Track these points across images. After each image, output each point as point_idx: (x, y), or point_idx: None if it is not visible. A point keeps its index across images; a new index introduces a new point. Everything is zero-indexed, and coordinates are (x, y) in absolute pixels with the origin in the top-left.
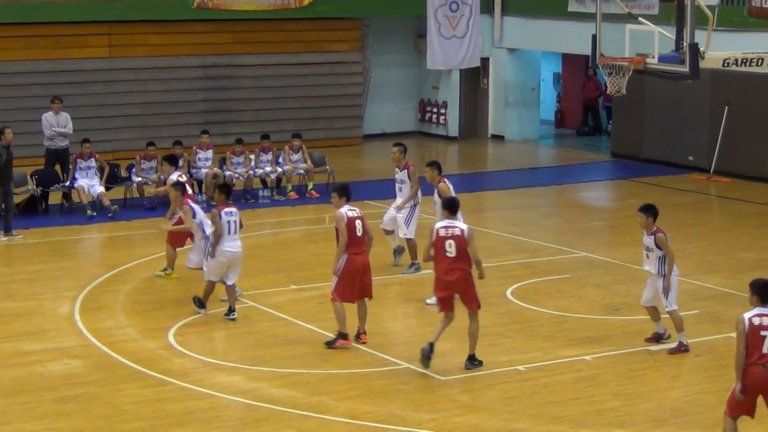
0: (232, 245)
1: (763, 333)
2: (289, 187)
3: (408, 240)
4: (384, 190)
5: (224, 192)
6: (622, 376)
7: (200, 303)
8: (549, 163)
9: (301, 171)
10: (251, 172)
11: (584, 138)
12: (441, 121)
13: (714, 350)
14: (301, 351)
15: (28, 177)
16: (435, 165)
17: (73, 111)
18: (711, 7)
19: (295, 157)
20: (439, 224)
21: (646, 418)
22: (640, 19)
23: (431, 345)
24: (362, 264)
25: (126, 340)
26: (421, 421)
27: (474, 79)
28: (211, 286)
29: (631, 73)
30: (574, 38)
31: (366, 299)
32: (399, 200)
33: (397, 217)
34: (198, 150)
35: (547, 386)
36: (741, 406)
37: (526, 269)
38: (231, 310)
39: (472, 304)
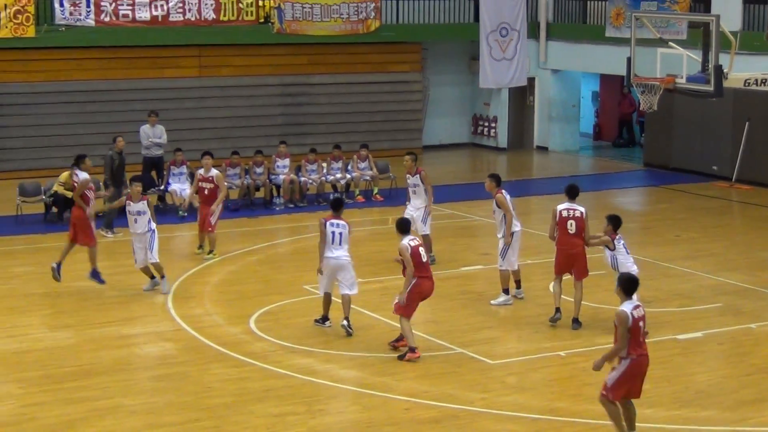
0: (334, 254)
1: (641, 324)
2: (357, 192)
3: (424, 235)
4: (442, 195)
5: (333, 206)
6: (651, 361)
7: (323, 318)
8: (588, 171)
9: (368, 177)
10: (323, 178)
11: (619, 149)
12: (491, 133)
13: (735, 339)
14: (366, 337)
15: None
16: (494, 177)
17: (168, 124)
18: (734, 33)
19: (363, 165)
20: (560, 206)
21: (673, 400)
22: (670, 43)
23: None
24: (429, 287)
25: (212, 325)
26: (472, 400)
27: (521, 96)
28: (326, 298)
29: (661, 91)
30: (611, 60)
31: None
32: (418, 201)
33: (414, 216)
34: (276, 158)
35: (585, 370)
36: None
37: None
38: (345, 319)
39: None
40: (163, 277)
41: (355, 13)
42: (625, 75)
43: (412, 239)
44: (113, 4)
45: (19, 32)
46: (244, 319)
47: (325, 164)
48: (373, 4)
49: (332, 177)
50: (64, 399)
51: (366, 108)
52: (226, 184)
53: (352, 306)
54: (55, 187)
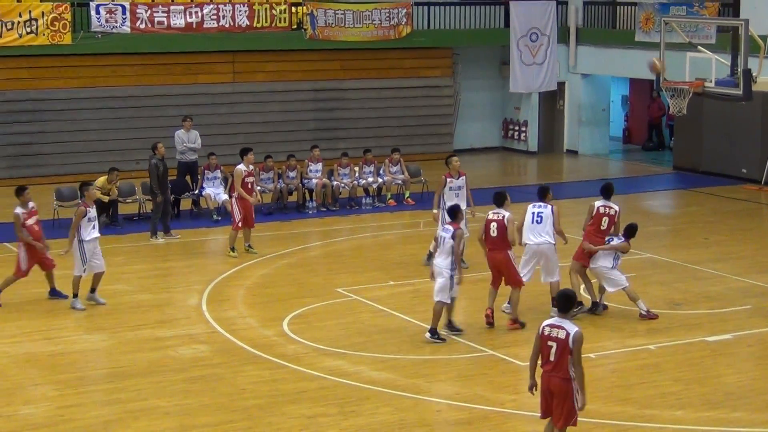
0: (437, 262)
1: (550, 343)
2: (389, 196)
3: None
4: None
5: (449, 214)
6: (681, 363)
7: (435, 333)
8: (617, 174)
9: (399, 181)
10: (355, 182)
11: (649, 153)
12: (522, 137)
13: (764, 341)
14: (398, 339)
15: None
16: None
17: (202, 129)
18: (762, 37)
19: (394, 168)
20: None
21: (703, 401)
22: (699, 47)
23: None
24: (491, 258)
25: (246, 328)
26: (503, 402)
27: (551, 100)
28: (439, 308)
29: (691, 95)
30: (640, 65)
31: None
32: (462, 204)
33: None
34: (309, 163)
35: (615, 372)
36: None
37: None
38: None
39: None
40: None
41: (387, 19)
42: (654, 79)
43: (496, 212)
44: (149, 12)
45: (56, 39)
46: (277, 321)
47: (357, 168)
48: (405, 10)
49: (364, 181)
50: (99, 401)
51: (397, 113)
52: (259, 188)
53: (383, 308)
54: None
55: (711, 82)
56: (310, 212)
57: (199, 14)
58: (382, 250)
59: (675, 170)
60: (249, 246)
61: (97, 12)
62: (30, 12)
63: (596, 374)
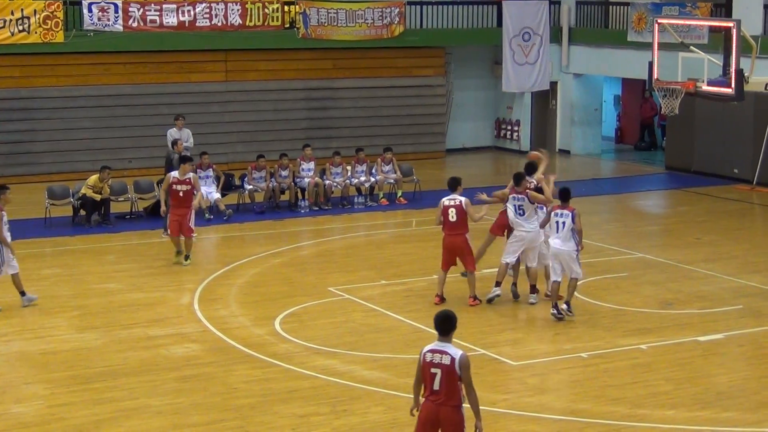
0: (554, 242)
1: (433, 370)
2: (381, 195)
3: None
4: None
5: (561, 196)
6: (673, 363)
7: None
8: (610, 174)
9: (392, 180)
10: (348, 181)
11: (641, 153)
12: (514, 137)
13: (755, 341)
14: (390, 338)
15: (155, 185)
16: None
17: (194, 127)
18: (755, 37)
19: (387, 168)
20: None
21: (695, 401)
22: (691, 47)
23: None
24: (450, 242)
25: (238, 327)
26: (495, 401)
27: (544, 100)
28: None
29: (683, 95)
30: (632, 64)
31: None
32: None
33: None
34: (302, 162)
35: (607, 371)
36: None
37: (588, 268)
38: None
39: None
40: None
41: (380, 18)
42: (646, 79)
43: (450, 198)
44: (141, 10)
45: (48, 38)
46: (269, 320)
47: (349, 167)
48: (398, 9)
49: (356, 180)
50: (90, 399)
51: (390, 112)
52: (251, 187)
53: (375, 307)
54: (83, 190)
55: (703, 82)
56: (303, 211)
57: (192, 13)
58: (374, 249)
59: (667, 170)
60: (183, 254)
61: (90, 10)
62: (22, 10)
63: (588, 374)
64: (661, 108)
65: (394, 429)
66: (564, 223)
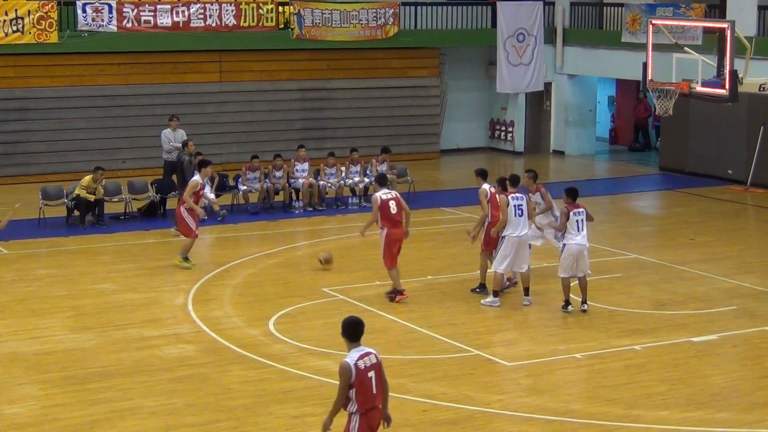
0: (578, 240)
1: (369, 374)
2: None
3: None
4: (458, 199)
5: (571, 195)
6: (667, 363)
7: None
8: (604, 175)
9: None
10: (342, 182)
11: (635, 153)
12: (508, 138)
13: (749, 342)
14: (384, 339)
15: (149, 185)
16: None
17: (189, 128)
18: (749, 38)
19: (382, 168)
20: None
21: (689, 401)
22: (685, 48)
23: None
24: (398, 234)
25: (232, 327)
26: (489, 402)
27: (538, 101)
28: (565, 282)
29: (677, 96)
30: (627, 65)
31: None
32: (543, 220)
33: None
34: (296, 162)
35: (601, 372)
36: None
37: None
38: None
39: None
40: None
41: (374, 18)
42: (641, 80)
43: (386, 192)
44: (135, 11)
45: (43, 38)
46: (264, 321)
47: (343, 168)
48: (392, 10)
49: (350, 181)
50: (85, 400)
51: (384, 113)
52: (245, 187)
53: (369, 308)
54: (77, 191)
55: (697, 83)
56: (297, 212)
57: (186, 13)
58: (368, 250)
59: (661, 171)
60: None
61: (84, 11)
62: (16, 11)
63: (582, 375)
64: (655, 109)
65: (388, 430)
66: (582, 221)
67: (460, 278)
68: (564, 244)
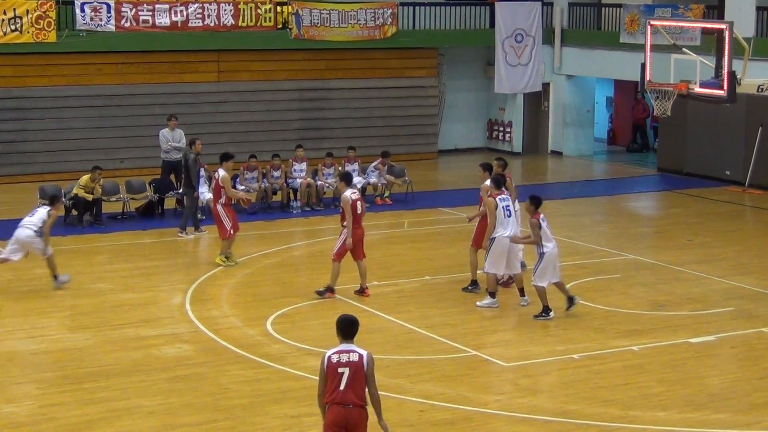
0: (552, 245)
1: (340, 370)
2: (387, 194)
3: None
4: (456, 199)
5: (534, 203)
6: (665, 364)
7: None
8: (602, 176)
9: (384, 181)
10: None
11: (633, 154)
12: (507, 138)
13: (747, 343)
14: (381, 339)
15: (147, 185)
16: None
17: (186, 128)
18: (747, 39)
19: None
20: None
21: (686, 402)
22: (683, 49)
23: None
24: (359, 235)
25: (230, 327)
26: (486, 402)
27: (536, 101)
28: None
29: (675, 97)
30: (625, 66)
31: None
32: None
33: None
34: (294, 162)
35: (599, 373)
36: None
37: (580, 269)
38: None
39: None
40: None
41: (372, 19)
42: (639, 81)
43: (354, 192)
44: (133, 10)
45: (41, 37)
46: (261, 321)
47: (341, 167)
48: (390, 10)
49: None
50: (82, 399)
51: (382, 113)
52: (243, 187)
53: (367, 308)
54: (75, 190)
55: (696, 83)
56: (295, 212)
57: (184, 13)
58: (366, 250)
59: (659, 172)
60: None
61: (82, 10)
62: (14, 10)
63: (579, 375)
64: (653, 110)
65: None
66: (548, 227)
67: (458, 278)
68: (542, 253)
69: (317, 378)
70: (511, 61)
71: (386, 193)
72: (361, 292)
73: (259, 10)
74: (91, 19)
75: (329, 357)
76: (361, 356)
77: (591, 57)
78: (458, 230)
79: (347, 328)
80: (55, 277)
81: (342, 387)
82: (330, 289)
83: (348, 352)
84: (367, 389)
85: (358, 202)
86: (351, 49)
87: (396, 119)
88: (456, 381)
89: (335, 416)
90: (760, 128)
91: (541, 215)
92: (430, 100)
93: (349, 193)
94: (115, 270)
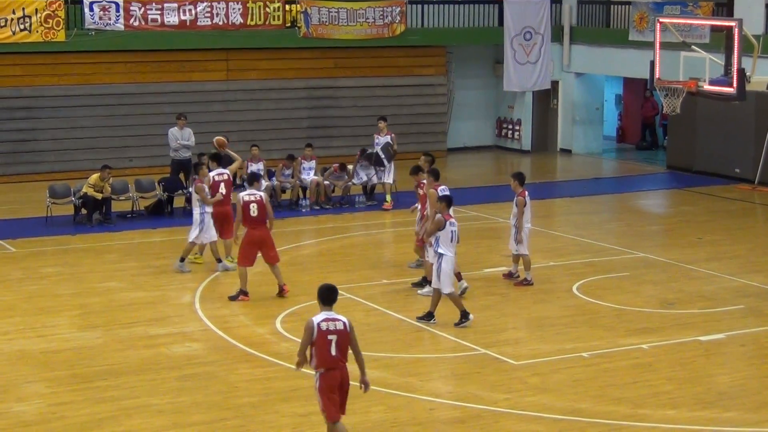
0: (452, 252)
1: (330, 337)
2: (388, 197)
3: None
4: (465, 198)
5: (445, 202)
6: (674, 363)
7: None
8: (611, 174)
9: (391, 181)
10: (351, 182)
11: (642, 152)
12: (515, 136)
13: (757, 341)
14: (391, 337)
15: (156, 184)
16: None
17: (195, 126)
18: (756, 36)
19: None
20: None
21: (696, 401)
22: (693, 47)
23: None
24: (258, 235)
25: (239, 326)
26: (496, 401)
27: (545, 99)
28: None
29: (684, 94)
30: (634, 64)
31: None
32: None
33: None
34: (303, 161)
35: (608, 371)
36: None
37: (589, 267)
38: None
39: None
40: None
41: (381, 17)
42: (648, 78)
43: (250, 193)
44: (142, 9)
45: (50, 36)
46: (270, 319)
47: (350, 168)
48: (399, 8)
49: (359, 180)
50: (91, 398)
51: (391, 111)
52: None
53: (376, 306)
54: (85, 189)
55: (705, 81)
56: (304, 210)
57: (193, 12)
58: (375, 248)
59: (668, 170)
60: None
61: (91, 9)
62: (23, 9)
63: (589, 374)
64: (662, 107)
65: (395, 428)
66: (456, 231)
67: (467, 277)
68: (441, 254)
69: None
70: (520, 59)
71: (387, 197)
72: (237, 294)
73: (267, 9)
74: (100, 18)
75: (318, 324)
76: (345, 324)
77: (600, 55)
78: (467, 228)
79: (329, 295)
80: (182, 259)
81: (333, 353)
82: (242, 292)
83: (334, 320)
84: (351, 349)
85: (252, 205)
86: (360, 47)
87: (405, 117)
88: (465, 379)
89: (332, 380)
90: None
91: (453, 219)
92: (438, 98)
93: (244, 194)
94: (125, 269)
